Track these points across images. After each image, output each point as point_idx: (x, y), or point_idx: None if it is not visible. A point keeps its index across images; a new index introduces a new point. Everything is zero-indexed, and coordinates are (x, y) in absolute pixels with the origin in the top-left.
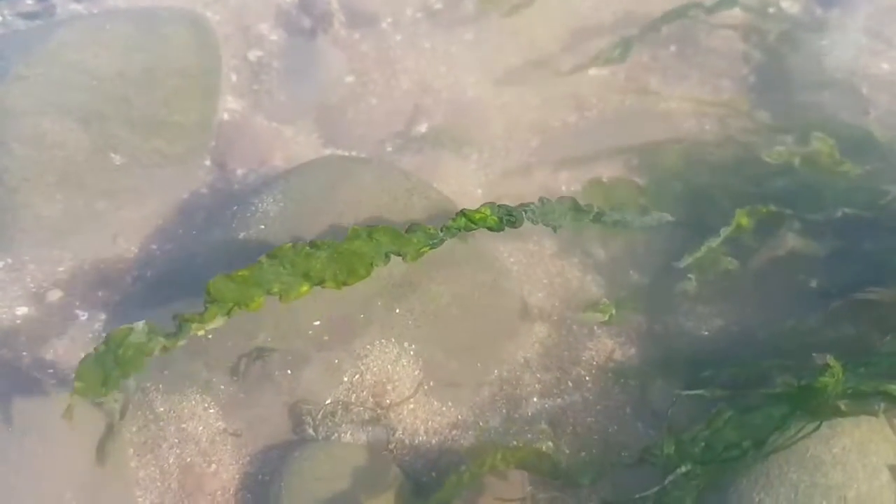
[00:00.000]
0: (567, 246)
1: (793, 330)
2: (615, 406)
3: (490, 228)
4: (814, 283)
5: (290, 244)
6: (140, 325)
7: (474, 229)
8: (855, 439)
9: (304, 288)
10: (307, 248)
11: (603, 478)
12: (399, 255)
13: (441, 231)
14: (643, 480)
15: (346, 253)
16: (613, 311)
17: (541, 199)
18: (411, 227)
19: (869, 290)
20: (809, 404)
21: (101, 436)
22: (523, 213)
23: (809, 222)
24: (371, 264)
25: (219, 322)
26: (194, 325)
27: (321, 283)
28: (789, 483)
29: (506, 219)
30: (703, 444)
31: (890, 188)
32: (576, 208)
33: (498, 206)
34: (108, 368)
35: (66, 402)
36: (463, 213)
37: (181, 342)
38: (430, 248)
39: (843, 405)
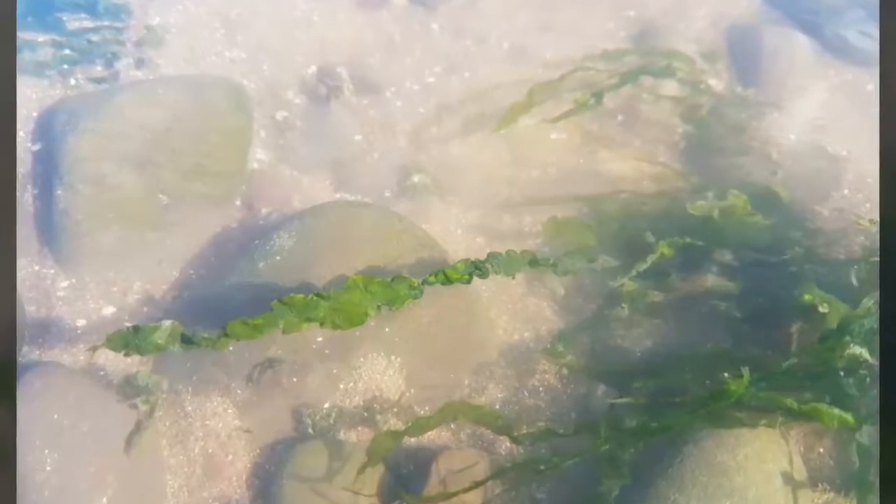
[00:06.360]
0: (529, 278)
1: (709, 350)
2: (563, 411)
3: (463, 283)
4: (727, 313)
5: (302, 296)
6: (166, 324)
7: (451, 284)
8: (755, 449)
9: (304, 325)
10: (314, 297)
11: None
12: (387, 304)
13: (422, 284)
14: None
15: (347, 303)
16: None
17: (507, 252)
18: (397, 279)
19: None
20: (716, 409)
21: (130, 431)
22: (489, 266)
23: (724, 264)
24: (365, 314)
25: None
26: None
27: (322, 325)
28: (700, 485)
29: (475, 273)
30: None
31: (792, 235)
32: (533, 261)
33: (470, 262)
34: (130, 346)
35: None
36: (443, 271)
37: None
38: (412, 300)
39: (744, 416)
